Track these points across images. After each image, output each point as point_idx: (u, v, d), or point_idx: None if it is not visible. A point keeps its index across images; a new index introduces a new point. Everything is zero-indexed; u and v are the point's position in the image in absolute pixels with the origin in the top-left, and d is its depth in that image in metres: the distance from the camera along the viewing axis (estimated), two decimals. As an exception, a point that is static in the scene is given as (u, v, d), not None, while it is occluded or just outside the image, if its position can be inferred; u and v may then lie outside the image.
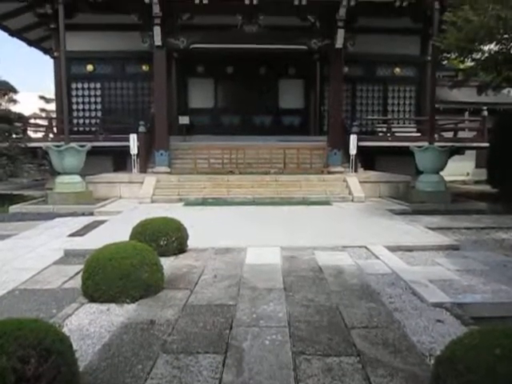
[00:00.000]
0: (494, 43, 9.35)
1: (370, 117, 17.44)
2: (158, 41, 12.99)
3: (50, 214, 9.59)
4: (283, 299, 4.20)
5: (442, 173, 11.37)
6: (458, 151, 14.39)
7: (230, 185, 11.92)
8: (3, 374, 2.14)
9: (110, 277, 4.08)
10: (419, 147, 11.41)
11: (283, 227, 7.77)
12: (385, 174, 13.21)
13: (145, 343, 3.29)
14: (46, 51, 18.52)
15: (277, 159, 13.33)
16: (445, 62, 13.82)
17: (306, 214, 9.35)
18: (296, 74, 18.22)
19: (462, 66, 14.05)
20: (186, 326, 3.61)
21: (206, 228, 7.64)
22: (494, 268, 5.40)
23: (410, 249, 6.30)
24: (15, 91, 12.75)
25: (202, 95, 18.05)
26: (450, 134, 16.40)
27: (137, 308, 4.01)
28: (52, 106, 25.26)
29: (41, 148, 12.72)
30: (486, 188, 13.49)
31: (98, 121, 16.58)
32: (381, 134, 16.07)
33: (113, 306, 4.04)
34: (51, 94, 22.55)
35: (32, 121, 17.45)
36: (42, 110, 32.27)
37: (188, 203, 10.81)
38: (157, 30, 12.86)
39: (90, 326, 3.64)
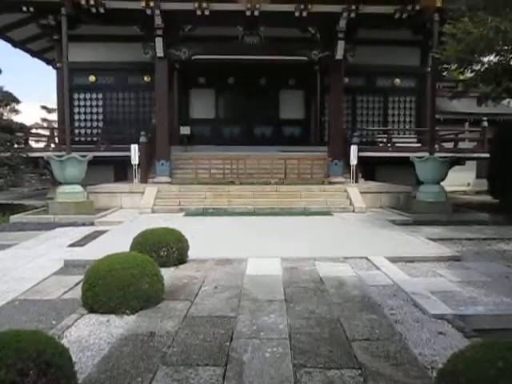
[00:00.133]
0: (494, 55, 9.41)
1: (370, 127, 17.51)
2: (159, 52, 13.10)
3: (51, 224, 9.60)
4: (284, 311, 4.17)
5: (442, 183, 11.38)
6: (459, 162, 14.42)
7: (230, 195, 11.93)
8: (2, 387, 2.13)
9: (110, 288, 4.06)
10: (420, 158, 11.42)
11: (284, 238, 7.76)
12: (385, 184, 13.22)
13: (144, 355, 3.26)
14: (48, 62, 18.66)
15: (277, 169, 13.35)
16: (445, 73, 13.88)
17: (307, 225, 9.34)
18: (296, 84, 18.31)
19: (461, 77, 14.12)
20: (186, 337, 3.58)
21: (207, 238, 7.63)
22: (495, 279, 5.38)
23: (411, 260, 6.28)
24: (17, 101, 12.84)
25: (203, 106, 18.14)
26: (450, 145, 16.44)
27: (137, 319, 3.99)
28: (54, 116, 25.37)
29: (42, 158, 12.77)
30: (487, 198, 13.49)
31: (99, 131, 16.66)
32: (381, 145, 16.12)
33: (113, 317, 4.02)
34: (53, 104, 22.67)
35: (34, 131, 17.53)
36: (44, 119, 32.48)
37: (189, 213, 10.81)
38: (159, 42, 12.99)
39: (89, 337, 3.62)
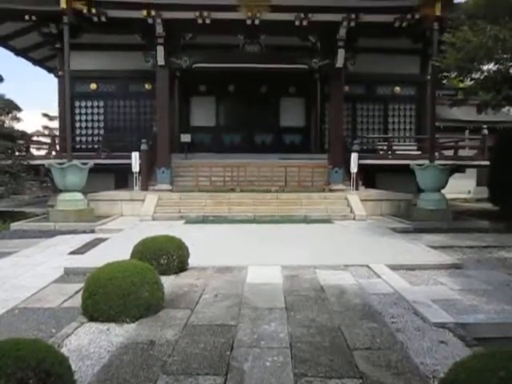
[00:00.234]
0: (493, 63, 9.45)
1: (370, 135, 17.58)
2: (160, 60, 13.19)
3: (51, 232, 9.59)
4: (284, 319, 4.16)
5: (443, 191, 11.38)
6: (459, 169, 14.42)
7: (231, 202, 11.93)
8: (1, 397, 2.12)
9: (110, 296, 4.05)
10: (420, 165, 11.44)
11: (284, 245, 7.75)
12: (386, 192, 13.22)
13: (144, 364, 3.25)
14: (50, 70, 18.75)
15: (278, 177, 13.36)
16: (444, 82, 13.96)
17: (308, 232, 9.33)
18: (297, 92, 18.39)
19: (461, 85, 14.18)
20: (187, 346, 3.57)
21: (207, 246, 7.62)
22: (496, 287, 5.36)
23: (411, 268, 6.27)
24: (19, 109, 12.89)
25: (203, 113, 18.20)
26: (450, 152, 16.46)
27: (137, 328, 3.98)
28: (55, 124, 25.45)
29: (43, 165, 12.79)
30: (488, 206, 13.48)
31: (100, 138, 16.72)
32: (381, 152, 16.14)
33: (113, 325, 4.01)
34: (55, 112, 22.76)
35: (35, 138, 17.59)
36: (45, 127, 32.58)
37: (189, 221, 10.80)
38: (160, 50, 13.08)
39: (89, 346, 3.60)
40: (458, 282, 5.56)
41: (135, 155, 13.16)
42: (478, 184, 19.60)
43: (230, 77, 16.65)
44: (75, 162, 11.18)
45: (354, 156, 13.38)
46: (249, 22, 12.38)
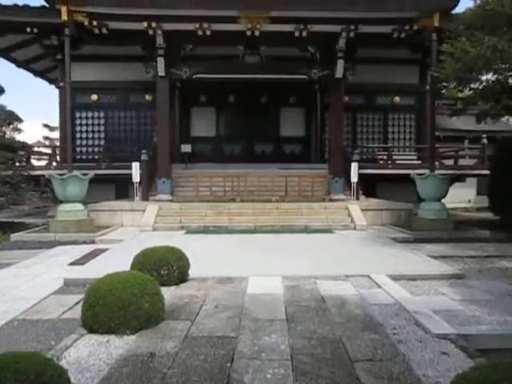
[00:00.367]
0: (492, 73, 9.51)
1: (370, 145, 17.62)
2: (161, 71, 13.27)
3: (52, 242, 9.58)
4: (285, 330, 4.14)
5: (443, 200, 11.37)
6: (459, 178, 14.43)
7: (231, 212, 11.92)
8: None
9: (110, 307, 4.03)
10: (420, 175, 11.45)
11: (285, 256, 7.72)
12: (386, 201, 13.20)
13: (144, 376, 3.23)
14: (51, 81, 18.88)
15: (278, 187, 13.37)
16: (443, 91, 14.03)
17: (308, 243, 9.30)
18: (297, 102, 18.48)
19: (460, 95, 14.25)
20: (187, 358, 3.55)
21: (208, 257, 7.60)
22: (498, 298, 5.33)
23: (412, 278, 6.24)
24: (20, 120, 12.94)
25: (203, 124, 18.28)
26: (450, 162, 16.48)
27: (137, 339, 3.95)
28: (56, 134, 25.55)
29: (44, 176, 12.80)
30: (488, 215, 13.46)
31: (100, 149, 16.74)
32: (381, 162, 16.16)
33: (112, 337, 3.98)
34: (55, 123, 22.87)
35: (35, 149, 17.63)
36: (46, 137, 32.70)
37: (189, 231, 10.79)
38: (160, 61, 13.17)
39: (88, 358, 3.58)
40: (459, 293, 5.53)
41: (136, 165, 13.16)
42: (479, 193, 19.59)
43: (230, 87, 16.74)
44: (76, 172, 11.20)
45: (354, 166, 13.39)
46: (249, 33, 12.47)
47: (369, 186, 14.86)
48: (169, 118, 13.97)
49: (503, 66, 9.01)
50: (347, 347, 3.74)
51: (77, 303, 5.01)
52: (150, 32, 12.53)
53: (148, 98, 16.72)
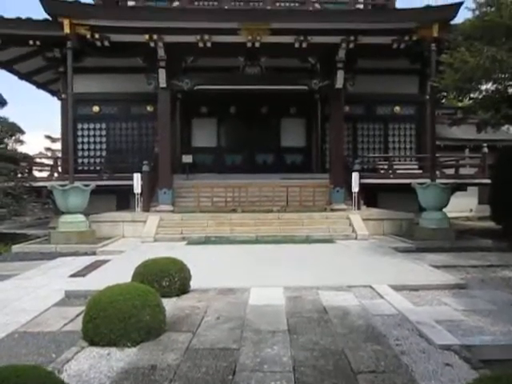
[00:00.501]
0: (491, 83, 9.57)
1: (371, 154, 17.66)
2: (162, 83, 13.37)
3: (53, 254, 9.56)
4: (287, 342, 4.11)
5: (445, 209, 11.35)
6: (460, 188, 14.43)
7: (232, 223, 11.92)
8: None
9: (111, 319, 4.01)
10: (421, 184, 11.45)
11: (286, 266, 7.69)
12: (388, 211, 13.19)
13: (146, 390, 3.21)
14: (53, 93, 19.02)
15: (279, 197, 13.37)
16: (443, 101, 14.12)
17: (310, 253, 9.27)
18: (297, 113, 18.55)
19: (460, 104, 14.31)
20: (188, 370, 3.52)
21: (209, 267, 7.58)
22: (501, 308, 5.30)
23: (415, 288, 6.21)
24: (22, 132, 13.03)
25: (204, 134, 18.35)
26: (451, 171, 16.49)
27: (138, 352, 3.93)
28: (58, 146, 25.63)
29: (45, 187, 12.83)
30: (490, 224, 13.44)
31: (102, 160, 16.80)
32: (382, 172, 16.17)
33: (113, 349, 3.96)
34: (57, 134, 22.96)
35: (37, 160, 17.70)
36: (48, 149, 32.79)
37: (191, 242, 10.77)
38: (161, 73, 13.28)
39: (89, 371, 3.56)
40: (462, 303, 5.50)
41: (137, 176, 13.20)
42: (480, 202, 19.55)
43: (231, 98, 16.82)
44: (77, 183, 11.22)
45: (355, 175, 13.41)
46: (249, 44, 12.58)
47: (370, 196, 14.87)
48: (170, 129, 14.05)
49: (502, 75, 9.07)
50: (350, 359, 3.71)
51: (78, 315, 4.99)
52: (152, 44, 12.65)
53: (149, 109, 16.82)
